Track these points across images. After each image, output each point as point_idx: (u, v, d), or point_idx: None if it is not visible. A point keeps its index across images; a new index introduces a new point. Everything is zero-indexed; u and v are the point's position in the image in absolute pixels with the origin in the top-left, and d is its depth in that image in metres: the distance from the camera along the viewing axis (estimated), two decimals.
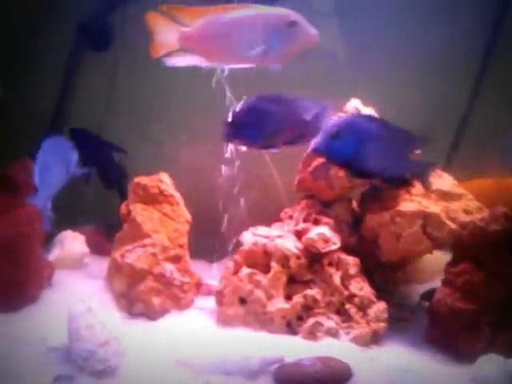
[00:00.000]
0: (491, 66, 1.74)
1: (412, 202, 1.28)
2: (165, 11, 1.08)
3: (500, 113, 1.71)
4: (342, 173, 1.32)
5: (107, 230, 1.58)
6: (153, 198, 1.41)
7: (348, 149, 1.02)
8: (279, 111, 1.06)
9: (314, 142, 1.05)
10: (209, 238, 1.56)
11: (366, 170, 1.04)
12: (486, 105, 1.76)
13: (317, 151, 1.07)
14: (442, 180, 1.30)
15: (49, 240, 1.44)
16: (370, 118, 1.16)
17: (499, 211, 1.16)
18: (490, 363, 1.02)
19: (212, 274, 1.51)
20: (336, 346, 1.15)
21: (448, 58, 1.69)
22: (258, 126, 1.05)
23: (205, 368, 1.02)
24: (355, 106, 1.34)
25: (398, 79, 1.62)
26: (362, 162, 1.03)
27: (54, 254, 1.42)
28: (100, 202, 1.66)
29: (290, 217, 1.37)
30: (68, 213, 1.44)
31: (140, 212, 1.38)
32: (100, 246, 1.55)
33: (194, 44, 1.09)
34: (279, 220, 1.39)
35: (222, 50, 1.09)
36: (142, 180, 1.41)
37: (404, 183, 1.19)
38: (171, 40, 1.07)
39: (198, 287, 1.41)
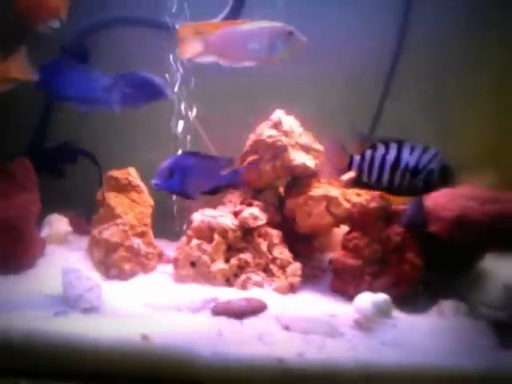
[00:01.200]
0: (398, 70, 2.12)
1: (319, 188, 1.70)
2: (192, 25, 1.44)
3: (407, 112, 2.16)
4: (268, 166, 1.74)
5: (84, 215, 1.96)
6: (123, 188, 1.79)
7: (178, 182, 1.36)
8: (200, 167, 1.40)
9: (154, 182, 1.38)
10: (169, 220, 1.97)
11: (189, 193, 1.39)
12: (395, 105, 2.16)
13: (157, 188, 1.38)
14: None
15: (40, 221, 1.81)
16: (189, 154, 1.45)
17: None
18: (365, 297, 1.45)
19: (171, 248, 1.91)
20: (261, 293, 1.56)
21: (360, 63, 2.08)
22: (182, 179, 1.37)
23: (163, 307, 1.42)
24: (279, 115, 1.77)
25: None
26: (188, 188, 1.38)
27: (45, 232, 1.78)
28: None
29: (230, 201, 1.78)
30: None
31: (113, 198, 1.77)
32: (79, 226, 1.93)
33: (216, 48, 1.42)
34: (222, 204, 1.80)
35: (236, 52, 1.42)
36: (114, 173, 1.80)
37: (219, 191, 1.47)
38: (197, 45, 1.41)
39: (160, 257, 1.80)
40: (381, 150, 1.23)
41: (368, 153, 1.24)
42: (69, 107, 1.54)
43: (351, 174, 1.30)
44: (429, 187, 1.24)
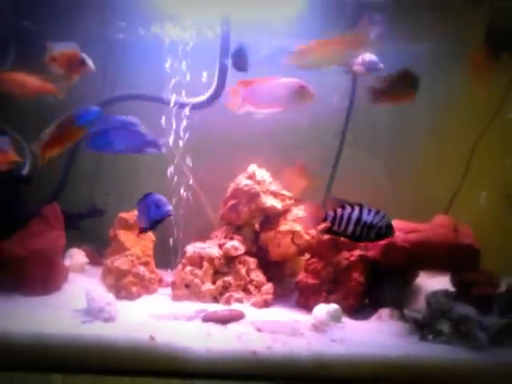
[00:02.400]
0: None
1: (286, 224, 2.12)
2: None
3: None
4: (245, 208, 2.18)
5: (98, 249, 2.38)
6: (130, 226, 2.19)
7: None
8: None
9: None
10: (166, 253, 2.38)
11: None
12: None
13: None
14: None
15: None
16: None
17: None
18: (321, 307, 1.86)
19: (168, 275, 2.32)
20: (241, 307, 1.96)
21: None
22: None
23: (163, 317, 1.82)
24: (253, 168, 2.22)
25: None
26: None
27: (67, 262, 2.18)
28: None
29: (216, 236, 2.20)
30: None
31: (122, 235, 2.16)
32: (93, 258, 2.32)
33: (249, 99, 1.82)
34: (209, 238, 2.22)
35: (263, 101, 1.82)
36: (123, 215, 2.20)
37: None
38: (238, 98, 1.82)
39: (160, 282, 2.20)
40: (348, 209, 1.65)
41: (339, 211, 1.65)
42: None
43: (325, 225, 1.72)
44: (378, 237, 1.68)
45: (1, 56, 2.10)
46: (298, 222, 2.08)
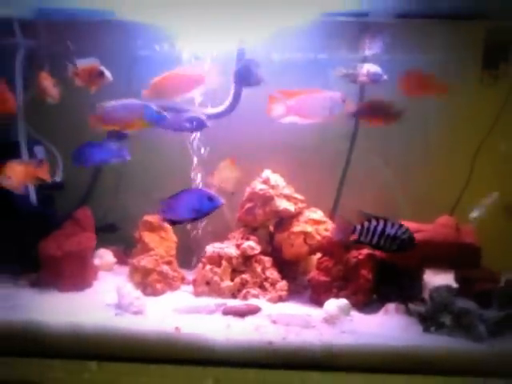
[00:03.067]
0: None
1: (299, 226, 2.26)
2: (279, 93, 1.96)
3: None
4: (261, 211, 2.34)
5: (124, 249, 2.56)
6: (154, 228, 2.35)
7: None
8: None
9: None
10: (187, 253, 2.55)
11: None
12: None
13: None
14: (316, 213, 2.34)
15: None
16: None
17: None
18: (331, 302, 2.00)
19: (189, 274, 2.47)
20: (257, 302, 2.12)
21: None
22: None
23: (187, 310, 1.99)
24: (267, 174, 2.38)
25: None
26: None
27: (96, 262, 2.37)
28: None
29: (233, 237, 2.35)
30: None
31: (147, 236, 2.33)
32: (120, 258, 2.48)
33: (293, 110, 1.96)
34: (227, 239, 2.37)
35: (308, 112, 1.98)
36: (148, 218, 2.36)
37: None
38: (281, 108, 1.97)
39: (182, 280, 2.35)
40: (373, 223, 1.83)
41: (366, 224, 1.84)
42: None
43: (354, 237, 1.89)
44: (401, 248, 1.85)
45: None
46: (329, 234, 2.20)
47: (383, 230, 1.82)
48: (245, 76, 2.04)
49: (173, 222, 1.97)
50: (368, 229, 1.83)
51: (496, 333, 1.79)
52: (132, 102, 1.95)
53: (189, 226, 2.51)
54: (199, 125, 2.10)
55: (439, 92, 2.07)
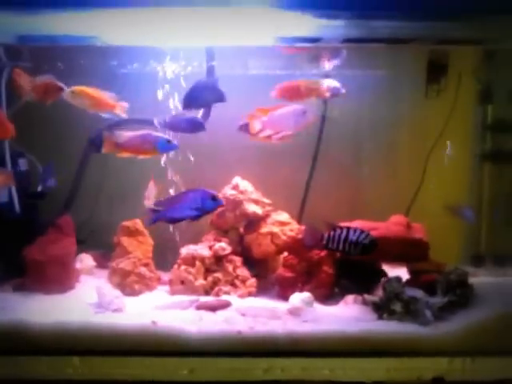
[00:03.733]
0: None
1: (266, 227, 2.43)
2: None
3: None
4: (231, 215, 2.52)
5: (103, 254, 2.71)
6: (132, 233, 2.51)
7: None
8: None
9: None
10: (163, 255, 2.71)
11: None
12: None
13: None
14: (282, 215, 2.54)
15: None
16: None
17: (302, 228, 2.40)
18: (296, 296, 2.19)
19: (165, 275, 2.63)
20: (229, 298, 2.29)
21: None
22: None
23: (163, 307, 2.15)
24: (237, 180, 2.56)
25: None
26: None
27: (77, 266, 2.51)
28: None
29: (207, 239, 2.51)
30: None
31: (125, 240, 2.49)
32: (99, 262, 2.62)
33: (268, 126, 2.19)
34: (201, 241, 2.55)
35: (278, 127, 2.19)
36: (126, 223, 2.53)
37: None
38: (258, 124, 2.19)
39: (159, 280, 2.51)
40: (338, 231, 2.05)
41: (332, 232, 2.06)
42: None
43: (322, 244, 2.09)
44: (363, 252, 2.05)
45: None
46: (301, 239, 2.35)
47: (346, 237, 2.04)
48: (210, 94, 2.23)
49: (172, 221, 2.12)
50: (333, 237, 2.05)
51: (440, 317, 2.00)
52: (148, 134, 2.16)
53: (164, 230, 2.67)
54: (198, 127, 2.27)
55: (315, 96, 2.28)
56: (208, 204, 2.04)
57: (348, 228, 2.04)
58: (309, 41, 2.11)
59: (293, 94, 2.25)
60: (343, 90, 2.34)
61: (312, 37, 2.07)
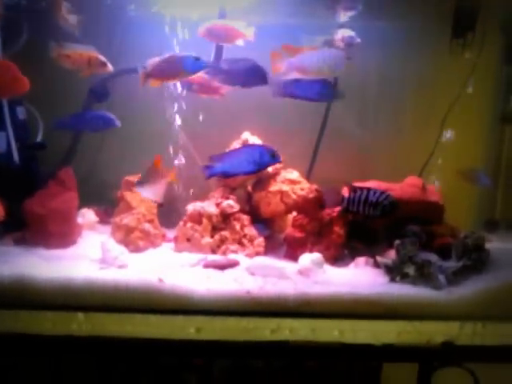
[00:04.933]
0: None
1: (275, 185, 2.36)
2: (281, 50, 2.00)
3: None
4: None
5: (105, 209, 2.63)
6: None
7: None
8: None
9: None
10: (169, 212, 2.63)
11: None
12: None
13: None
14: (292, 173, 2.46)
15: None
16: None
17: (313, 187, 2.32)
18: (305, 256, 2.14)
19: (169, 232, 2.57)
20: (236, 258, 2.25)
21: None
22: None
23: (169, 264, 2.09)
24: (246, 136, 2.47)
25: None
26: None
27: (79, 221, 2.45)
28: None
29: (213, 196, 2.45)
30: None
31: (129, 195, 2.41)
32: (102, 217, 2.55)
33: (295, 67, 2.01)
34: (207, 198, 2.48)
35: (308, 70, 1.99)
36: (130, 178, 2.44)
37: None
38: (283, 65, 2.00)
39: (163, 237, 2.46)
40: (358, 193, 2.03)
41: (351, 194, 2.05)
42: None
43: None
44: (384, 213, 2.04)
45: (12, 38, 2.29)
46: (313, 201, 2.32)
47: (366, 198, 1.98)
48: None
49: (226, 175, 2.05)
50: (353, 199, 2.03)
51: (453, 281, 1.96)
52: (171, 55, 2.01)
53: (170, 187, 2.58)
54: (260, 78, 2.08)
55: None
56: (266, 159, 1.96)
57: (368, 189, 1.96)
58: None
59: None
60: (358, 39, 2.20)
61: None
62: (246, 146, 2.08)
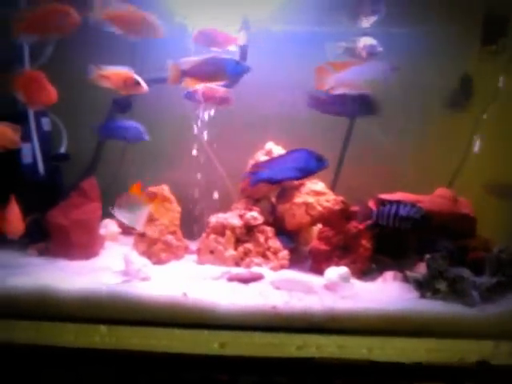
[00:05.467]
0: None
1: (300, 197, 2.31)
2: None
3: None
4: (263, 184, 2.39)
5: None
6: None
7: None
8: None
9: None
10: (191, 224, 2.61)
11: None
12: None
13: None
14: (317, 185, 2.41)
15: None
16: None
17: (339, 199, 2.27)
18: (332, 270, 2.08)
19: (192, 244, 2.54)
20: (260, 270, 2.20)
21: None
22: None
23: (192, 277, 2.06)
24: (270, 146, 2.43)
25: None
26: None
27: (102, 232, 2.43)
28: None
29: (236, 208, 2.41)
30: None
31: (152, 207, 2.41)
32: (124, 228, 2.55)
33: (342, 82, 2.01)
34: (231, 210, 2.45)
35: (355, 83, 2.00)
36: (153, 189, 2.43)
37: None
38: (330, 80, 2.01)
39: (186, 249, 2.44)
40: (387, 207, 1.99)
41: (380, 208, 2.02)
42: None
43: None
44: (414, 227, 2.00)
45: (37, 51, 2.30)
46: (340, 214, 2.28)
47: (396, 211, 1.95)
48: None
49: (273, 182, 2.04)
50: (383, 212, 1.99)
51: (487, 298, 1.88)
52: (213, 56, 1.98)
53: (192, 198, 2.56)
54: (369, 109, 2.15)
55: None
56: (312, 165, 1.93)
57: (398, 202, 1.91)
58: None
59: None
60: (380, 48, 2.16)
61: None
62: (291, 151, 2.02)
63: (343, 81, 2.02)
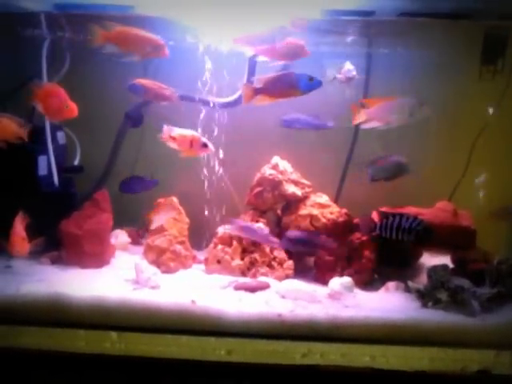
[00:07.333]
0: None
1: (305, 209, 2.39)
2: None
3: None
4: (270, 195, 2.46)
5: (138, 230, 2.69)
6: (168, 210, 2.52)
7: None
8: None
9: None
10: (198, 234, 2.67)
11: None
12: None
13: None
14: (322, 197, 2.48)
15: None
16: None
17: (343, 212, 2.33)
18: (336, 280, 2.14)
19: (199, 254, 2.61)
20: (266, 280, 2.26)
21: None
22: None
23: (200, 286, 2.12)
24: (276, 160, 2.51)
25: None
26: None
27: (112, 241, 2.50)
28: None
29: (243, 219, 2.47)
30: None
31: (161, 218, 2.49)
32: (134, 238, 2.62)
33: (374, 116, 2.11)
34: None
35: (387, 118, 2.10)
36: (162, 200, 2.52)
37: None
38: (364, 115, 2.12)
39: (194, 259, 2.50)
40: (391, 219, 2.04)
41: (384, 221, 2.07)
42: None
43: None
44: (418, 239, 2.05)
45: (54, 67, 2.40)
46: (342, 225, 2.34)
47: (399, 224, 2.00)
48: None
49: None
50: (386, 225, 2.04)
51: (488, 308, 1.93)
52: (288, 73, 2.03)
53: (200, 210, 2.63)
54: None
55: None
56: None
57: (400, 215, 1.97)
58: (361, 14, 1.99)
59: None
60: (355, 74, 2.24)
61: (365, 10, 1.96)
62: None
63: (374, 115, 2.13)
